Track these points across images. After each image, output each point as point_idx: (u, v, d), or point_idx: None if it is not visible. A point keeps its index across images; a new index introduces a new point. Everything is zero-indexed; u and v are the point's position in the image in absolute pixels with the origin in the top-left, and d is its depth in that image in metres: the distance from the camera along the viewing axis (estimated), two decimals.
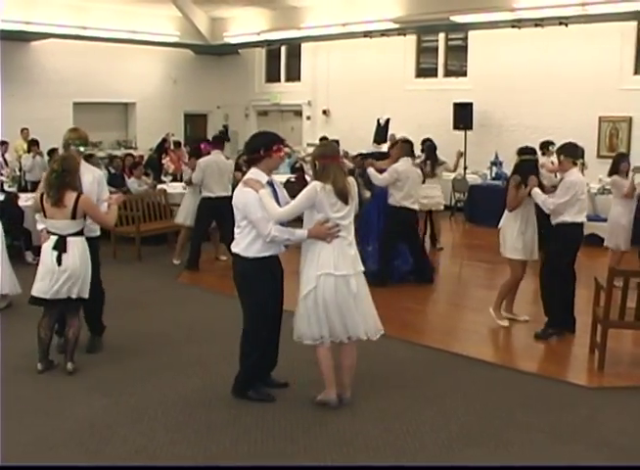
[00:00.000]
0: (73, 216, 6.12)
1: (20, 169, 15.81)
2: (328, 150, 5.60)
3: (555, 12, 13.97)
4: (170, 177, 15.66)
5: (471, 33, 16.77)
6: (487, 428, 5.36)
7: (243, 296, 5.60)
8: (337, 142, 12.47)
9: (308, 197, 5.31)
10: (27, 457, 4.86)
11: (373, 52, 17.93)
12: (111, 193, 7.02)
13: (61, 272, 6.08)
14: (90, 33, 17.57)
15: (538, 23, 14.57)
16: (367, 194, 10.00)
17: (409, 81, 18.15)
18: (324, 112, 19.88)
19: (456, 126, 16.31)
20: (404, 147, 9.87)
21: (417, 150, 12.82)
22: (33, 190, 7.94)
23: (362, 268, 5.55)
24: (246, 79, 21.66)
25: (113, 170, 14.05)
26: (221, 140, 11.28)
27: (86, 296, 6.30)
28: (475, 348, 7.22)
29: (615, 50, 14.65)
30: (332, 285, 5.30)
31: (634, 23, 14.46)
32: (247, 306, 5.59)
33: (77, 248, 6.18)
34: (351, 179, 5.65)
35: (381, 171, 9.46)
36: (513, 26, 14.99)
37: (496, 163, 15.33)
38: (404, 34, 17.12)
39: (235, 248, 5.54)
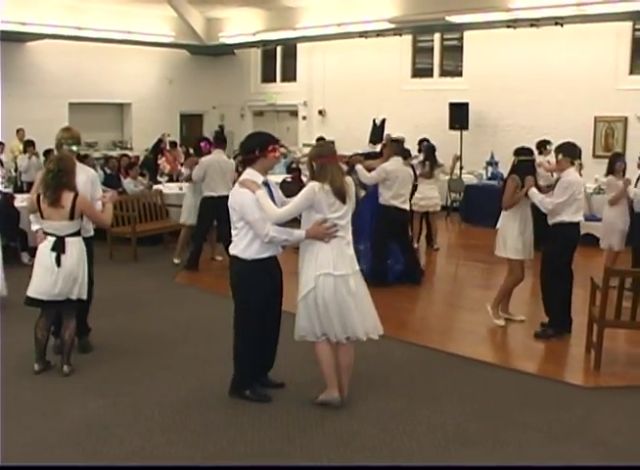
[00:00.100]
0: (71, 217, 6.11)
1: (15, 170, 15.76)
2: (325, 150, 5.58)
3: (550, 12, 13.99)
4: (166, 178, 15.62)
5: (466, 33, 16.78)
6: (484, 428, 5.37)
7: (239, 297, 5.58)
8: (332, 143, 12.45)
9: (307, 197, 5.30)
10: (25, 458, 4.85)
11: (369, 52, 17.93)
12: (104, 192, 7.03)
13: (60, 273, 6.08)
14: (85, 34, 17.54)
15: (534, 23, 14.59)
16: (362, 193, 9.99)
17: (405, 81, 18.16)
18: (320, 112, 19.88)
19: (452, 126, 16.32)
20: (393, 146, 9.90)
21: (414, 150, 12.90)
22: (29, 191, 7.94)
23: (359, 267, 5.55)
24: (241, 80, 21.66)
25: (108, 171, 14.04)
26: (223, 139, 11.27)
27: (85, 297, 6.30)
28: (471, 348, 7.22)
29: (610, 50, 14.67)
30: (331, 285, 5.29)
31: (629, 24, 14.49)
32: (242, 308, 5.57)
33: (75, 248, 6.18)
34: (349, 179, 5.65)
35: (370, 170, 9.46)
36: (508, 27, 15.00)
37: (492, 163, 15.33)
38: (400, 34, 17.12)
39: (233, 250, 5.53)
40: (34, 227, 6.61)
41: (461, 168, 15.91)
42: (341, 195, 5.33)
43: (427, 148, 12.49)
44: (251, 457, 4.86)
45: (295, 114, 20.82)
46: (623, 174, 9.57)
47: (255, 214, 5.28)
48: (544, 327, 7.54)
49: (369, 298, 5.56)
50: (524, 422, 5.47)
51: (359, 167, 9.38)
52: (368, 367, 6.28)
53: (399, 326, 7.80)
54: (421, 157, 12.49)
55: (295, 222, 5.46)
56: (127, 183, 12.91)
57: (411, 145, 13.20)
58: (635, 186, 9.25)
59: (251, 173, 5.47)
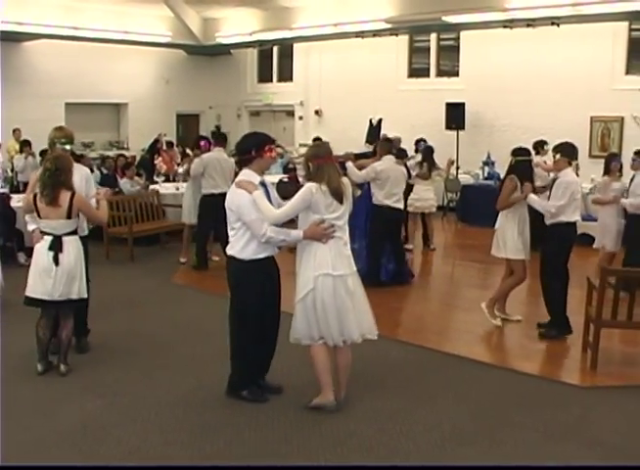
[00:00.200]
0: (69, 216, 6.11)
1: (12, 170, 15.77)
2: (321, 150, 5.55)
3: (547, 12, 14.00)
4: (163, 178, 15.64)
5: (463, 33, 16.79)
6: (480, 427, 5.38)
7: (237, 298, 5.57)
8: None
9: (304, 198, 5.29)
10: (22, 458, 4.84)
11: (365, 52, 17.93)
12: (97, 189, 7.05)
13: (58, 272, 6.08)
14: (82, 34, 17.51)
15: (530, 23, 14.60)
16: (358, 192, 9.98)
17: (401, 81, 18.16)
18: (316, 112, 19.87)
19: (448, 126, 16.33)
20: (384, 145, 9.88)
21: (410, 150, 12.91)
22: (25, 191, 7.93)
23: (356, 268, 5.56)
24: (238, 80, 21.64)
25: (105, 171, 14.03)
26: (224, 138, 11.25)
27: (86, 295, 6.31)
28: (467, 347, 7.23)
29: (606, 50, 14.70)
30: (330, 286, 5.29)
31: (625, 24, 14.51)
32: (240, 308, 5.56)
33: (73, 247, 6.18)
34: (346, 179, 5.64)
35: (362, 169, 9.43)
36: (505, 27, 15.01)
37: (488, 162, 15.38)
38: (396, 34, 17.12)
39: (230, 250, 5.53)
40: (30, 227, 6.61)
41: (457, 168, 15.92)
42: (338, 195, 5.32)
43: (425, 149, 12.48)
44: (248, 457, 4.87)
45: (291, 114, 20.81)
46: (620, 174, 9.59)
47: (253, 215, 5.28)
48: (546, 327, 7.54)
49: (366, 298, 5.56)
50: (520, 422, 5.48)
51: (349, 165, 9.27)
52: (364, 367, 6.28)
53: (395, 326, 7.81)
54: (418, 157, 12.50)
55: (291, 223, 5.47)
56: (124, 183, 12.90)
57: (407, 145, 13.24)
58: (629, 185, 9.23)
59: (247, 174, 5.46)
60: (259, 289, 5.48)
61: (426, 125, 16.16)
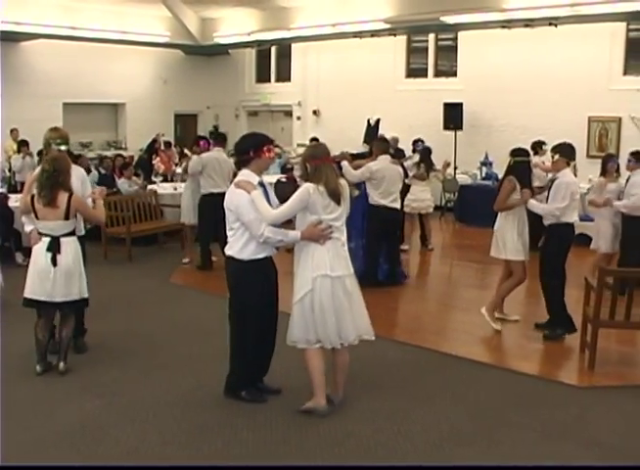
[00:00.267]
0: (66, 217, 6.11)
1: (9, 170, 15.76)
2: (319, 151, 5.54)
3: (545, 12, 14.00)
4: (161, 178, 15.61)
5: (461, 34, 16.79)
6: (478, 427, 5.38)
7: (236, 298, 5.57)
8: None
9: (301, 199, 5.29)
10: (21, 458, 4.84)
11: (363, 52, 17.92)
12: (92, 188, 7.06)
13: (57, 273, 6.08)
14: (80, 34, 17.50)
15: (528, 23, 14.61)
16: (355, 193, 9.96)
17: (399, 82, 18.16)
18: (314, 112, 19.87)
19: (446, 127, 16.33)
20: (380, 145, 9.84)
21: (408, 151, 12.92)
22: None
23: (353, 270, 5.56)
24: (236, 80, 21.64)
25: (103, 171, 14.00)
26: (223, 138, 11.24)
27: (87, 294, 6.32)
28: (465, 347, 7.24)
29: (604, 51, 14.69)
30: (328, 287, 5.28)
31: (624, 24, 14.52)
32: (240, 308, 5.56)
33: (71, 247, 6.19)
34: (343, 181, 5.64)
35: (357, 169, 9.42)
36: (503, 27, 15.01)
37: (486, 163, 15.37)
38: (394, 35, 17.12)
39: (229, 250, 5.53)
40: (28, 228, 6.60)
41: (455, 169, 15.93)
42: (335, 196, 5.32)
43: (423, 150, 12.48)
44: (246, 458, 4.87)
45: (289, 114, 20.81)
46: (618, 175, 9.59)
47: (251, 215, 5.28)
48: (548, 328, 7.55)
49: (362, 300, 5.55)
50: (518, 421, 5.49)
51: (345, 164, 9.25)
52: (362, 368, 6.28)
53: (393, 326, 7.82)
54: (416, 158, 12.50)
55: (289, 224, 5.47)
56: (122, 183, 12.89)
57: (405, 145, 13.27)
58: (625, 185, 9.23)
59: (246, 174, 5.47)
60: (259, 289, 5.48)
61: (424, 125, 16.17)
